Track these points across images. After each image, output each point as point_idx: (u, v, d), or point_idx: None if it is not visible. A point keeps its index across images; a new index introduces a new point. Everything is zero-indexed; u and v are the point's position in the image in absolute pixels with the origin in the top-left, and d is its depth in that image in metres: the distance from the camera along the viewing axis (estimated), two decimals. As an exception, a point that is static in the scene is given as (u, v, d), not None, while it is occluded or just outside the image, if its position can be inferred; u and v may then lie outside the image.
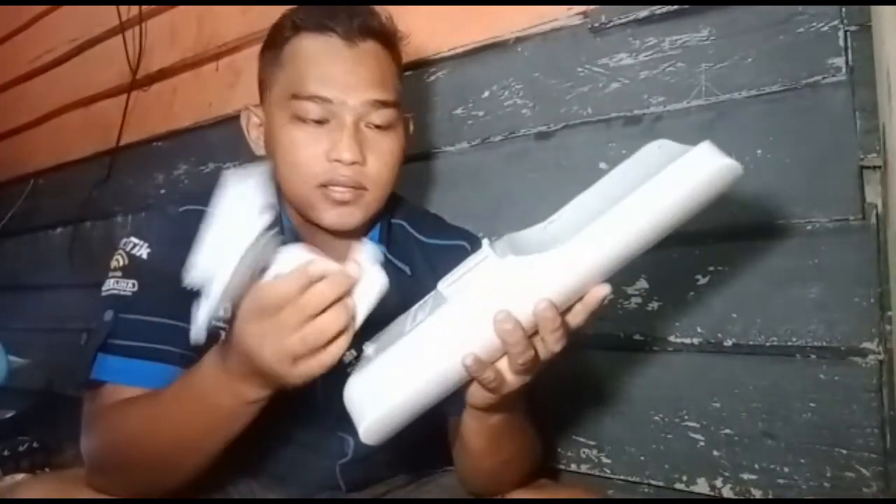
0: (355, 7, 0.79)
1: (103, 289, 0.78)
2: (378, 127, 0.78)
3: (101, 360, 0.74)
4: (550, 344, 0.58)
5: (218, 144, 1.56)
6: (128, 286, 0.77)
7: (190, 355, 0.76)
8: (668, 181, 0.55)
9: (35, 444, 1.49)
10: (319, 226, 0.80)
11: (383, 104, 0.77)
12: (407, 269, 0.86)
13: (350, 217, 0.79)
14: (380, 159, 0.78)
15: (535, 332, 0.58)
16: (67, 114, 2.04)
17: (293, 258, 0.58)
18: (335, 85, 0.75)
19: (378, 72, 0.78)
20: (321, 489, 0.88)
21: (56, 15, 2.06)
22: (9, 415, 1.59)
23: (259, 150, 0.85)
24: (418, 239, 0.89)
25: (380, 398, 0.59)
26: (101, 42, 1.88)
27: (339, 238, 0.82)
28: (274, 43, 0.81)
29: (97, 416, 0.73)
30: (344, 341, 0.58)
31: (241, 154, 1.60)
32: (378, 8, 0.81)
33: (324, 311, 0.56)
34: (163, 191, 1.72)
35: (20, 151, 2.26)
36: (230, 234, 0.57)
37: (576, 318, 0.59)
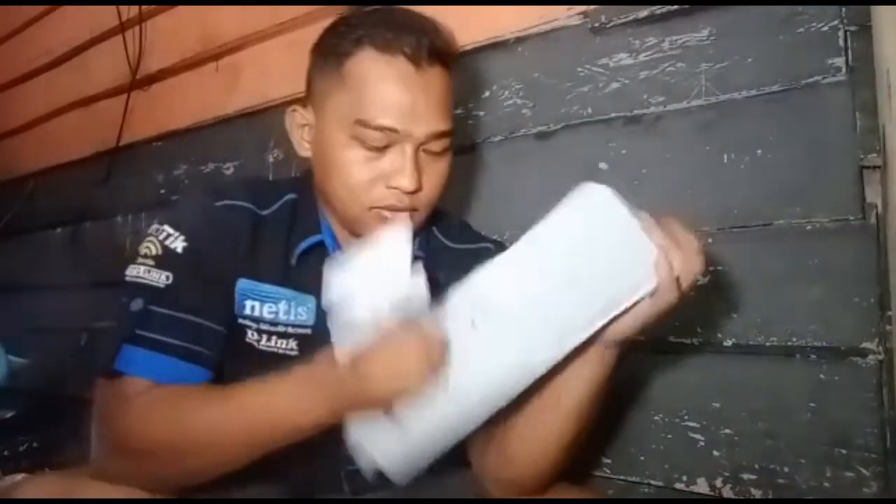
0: (422, 24, 0.77)
1: (129, 274, 0.75)
2: (435, 153, 0.78)
3: (128, 350, 0.72)
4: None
5: (218, 144, 1.56)
6: (161, 277, 0.75)
7: (215, 357, 0.76)
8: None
9: (35, 444, 1.49)
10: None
11: (445, 134, 0.77)
12: (440, 278, 0.86)
13: None
14: (434, 185, 0.79)
15: None
16: (67, 114, 2.04)
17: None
18: (403, 115, 0.74)
19: (443, 99, 0.77)
20: (325, 494, 0.88)
21: (56, 15, 2.06)
22: (9, 415, 1.59)
23: (304, 151, 0.83)
24: (448, 246, 0.90)
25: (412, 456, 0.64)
26: (101, 42, 1.88)
27: None
28: (333, 52, 0.78)
29: (131, 405, 0.71)
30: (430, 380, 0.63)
31: (242, 154, 1.60)
32: (440, 25, 0.79)
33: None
34: (163, 191, 1.72)
35: (20, 151, 2.26)
36: (382, 279, 0.63)
37: None
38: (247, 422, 0.67)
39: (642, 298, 0.63)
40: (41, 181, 2.16)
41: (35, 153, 2.19)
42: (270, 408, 0.67)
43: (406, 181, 0.75)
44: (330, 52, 0.78)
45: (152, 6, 1.70)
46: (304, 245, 0.82)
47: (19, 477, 1.30)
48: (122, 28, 1.74)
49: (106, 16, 1.78)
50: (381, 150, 0.75)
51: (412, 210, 0.78)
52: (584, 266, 0.62)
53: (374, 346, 0.63)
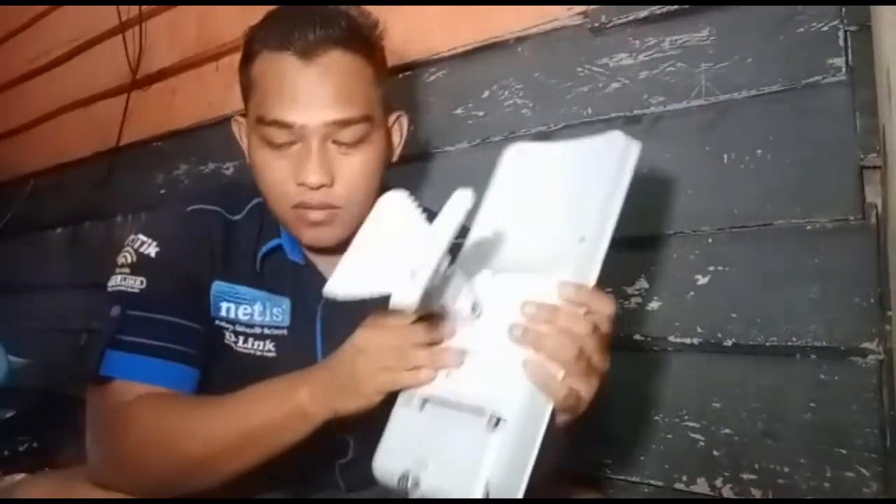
0: (322, 12, 0.76)
1: (109, 285, 0.78)
2: (347, 144, 0.76)
3: (110, 356, 0.74)
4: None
5: (218, 144, 1.56)
6: (136, 283, 0.77)
7: (196, 355, 0.77)
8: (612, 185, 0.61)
9: (35, 444, 1.49)
10: (301, 243, 0.81)
11: (348, 122, 0.74)
12: None
13: (327, 236, 0.79)
14: (349, 179, 0.76)
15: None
16: (67, 114, 2.04)
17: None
18: (294, 108, 0.74)
19: (342, 86, 0.74)
20: (320, 489, 0.88)
21: (56, 15, 2.06)
22: (9, 415, 1.59)
23: (248, 159, 0.84)
24: None
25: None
26: (101, 42, 1.87)
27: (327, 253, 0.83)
28: (245, 58, 0.80)
29: (118, 411, 0.71)
30: (425, 376, 0.61)
31: (242, 154, 1.60)
32: (356, 8, 0.79)
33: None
34: (163, 191, 1.72)
35: (20, 151, 2.26)
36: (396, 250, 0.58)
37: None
38: (239, 429, 0.67)
39: None
40: (41, 181, 2.16)
41: (35, 153, 2.19)
42: (261, 411, 0.67)
43: (311, 176, 0.74)
44: (244, 60, 0.81)
45: (152, 6, 1.70)
46: (264, 249, 0.83)
47: (19, 477, 1.30)
48: (122, 28, 1.74)
49: (106, 16, 1.78)
50: (287, 146, 0.75)
51: (328, 207, 0.76)
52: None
53: (365, 335, 0.63)
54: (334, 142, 0.75)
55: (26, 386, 1.78)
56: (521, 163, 0.69)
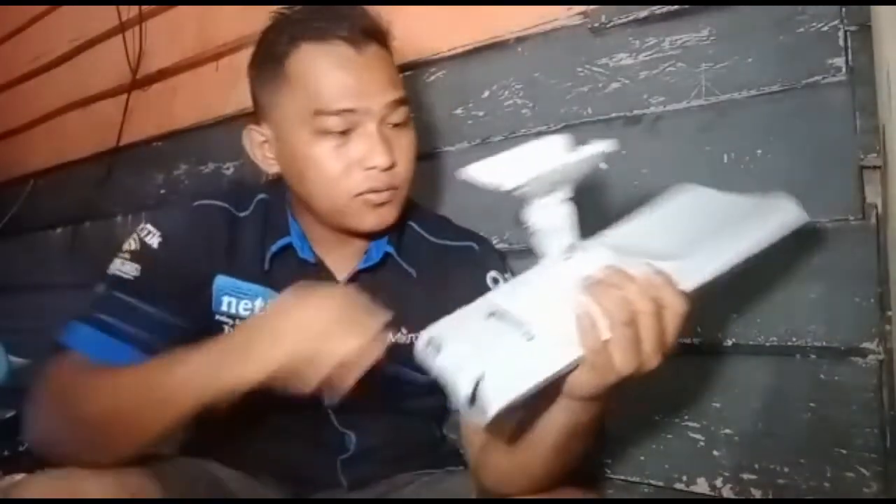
0: (347, 10, 0.79)
1: (109, 268, 0.79)
2: (397, 125, 0.79)
3: (75, 326, 0.76)
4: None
5: (218, 144, 1.56)
6: (131, 269, 0.78)
7: (168, 350, 0.76)
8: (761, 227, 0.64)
9: (35, 445, 1.49)
10: (357, 231, 0.81)
11: (401, 102, 0.79)
12: (413, 272, 0.87)
13: (389, 216, 0.81)
14: (407, 157, 0.80)
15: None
16: (67, 114, 2.04)
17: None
18: (356, 94, 0.76)
19: (389, 72, 0.80)
20: (322, 485, 0.88)
21: (56, 15, 2.06)
22: (9, 415, 1.58)
23: (270, 167, 0.85)
24: (427, 239, 0.90)
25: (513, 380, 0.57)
26: (101, 42, 1.88)
27: (358, 238, 0.83)
28: (270, 59, 0.79)
29: (52, 377, 0.73)
30: (352, 377, 0.63)
31: (242, 154, 1.60)
32: (367, 7, 0.81)
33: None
34: (163, 191, 1.72)
35: (20, 151, 2.26)
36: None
37: None
38: (143, 394, 0.66)
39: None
40: (41, 181, 2.16)
41: (35, 153, 2.19)
42: (167, 360, 0.66)
43: (380, 158, 0.76)
44: (267, 61, 0.80)
45: (152, 6, 1.70)
46: (274, 248, 0.83)
47: (19, 477, 1.30)
48: (122, 28, 1.74)
49: (106, 16, 1.78)
50: (345, 135, 0.76)
51: (392, 189, 0.79)
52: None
53: (286, 303, 0.64)
54: (386, 124, 0.78)
55: (26, 386, 1.77)
56: (685, 194, 0.72)
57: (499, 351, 0.56)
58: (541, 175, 0.56)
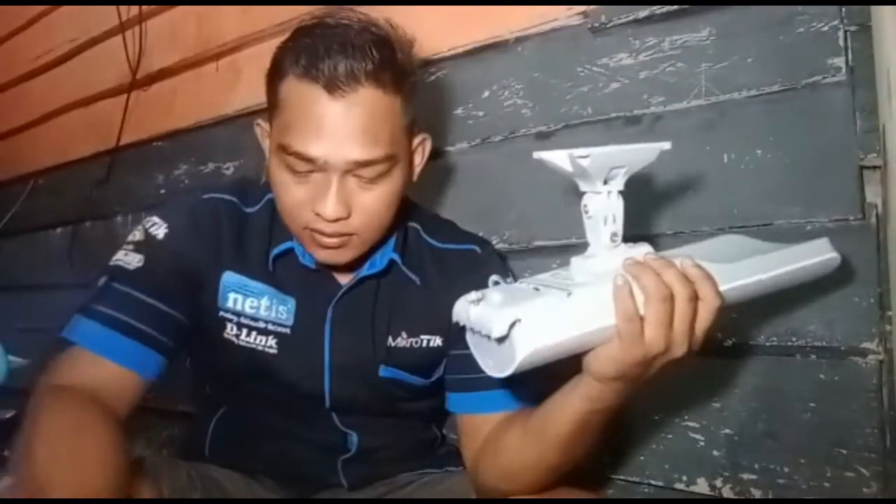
0: (353, 40, 0.72)
1: (112, 258, 0.79)
2: (368, 179, 0.74)
3: (78, 321, 0.75)
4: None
5: (218, 144, 1.56)
6: (134, 260, 0.77)
7: (169, 344, 0.76)
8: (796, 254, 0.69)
9: (35, 444, 1.48)
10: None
11: (370, 163, 0.73)
12: (416, 279, 0.86)
13: (339, 257, 0.79)
14: (367, 212, 0.75)
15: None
16: (67, 114, 2.04)
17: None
18: (318, 143, 0.71)
19: (367, 126, 0.72)
20: (323, 485, 0.88)
21: (56, 15, 2.06)
22: (9, 415, 1.58)
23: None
24: (430, 243, 0.89)
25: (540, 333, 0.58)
26: (101, 42, 1.88)
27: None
28: (273, 74, 0.77)
29: (50, 380, 0.72)
30: None
31: (242, 154, 1.60)
32: (386, 43, 0.74)
33: None
34: (163, 191, 1.72)
35: (20, 151, 2.26)
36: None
37: None
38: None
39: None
40: (41, 181, 2.16)
41: (35, 153, 2.19)
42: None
43: (325, 208, 0.72)
44: (272, 75, 0.77)
45: (152, 6, 1.70)
46: (276, 251, 0.83)
47: (19, 477, 1.30)
48: (122, 28, 1.74)
49: (106, 16, 1.78)
50: (307, 174, 0.74)
51: (344, 236, 0.76)
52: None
53: None
54: (355, 175, 0.74)
55: (26, 386, 1.77)
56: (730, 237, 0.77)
57: (538, 302, 0.58)
58: (608, 156, 0.61)
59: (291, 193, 0.75)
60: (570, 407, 0.65)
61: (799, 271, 0.69)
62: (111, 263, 0.78)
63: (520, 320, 0.56)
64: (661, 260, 0.60)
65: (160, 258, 0.77)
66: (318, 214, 0.74)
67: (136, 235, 0.80)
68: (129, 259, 0.77)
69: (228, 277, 0.81)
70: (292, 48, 0.75)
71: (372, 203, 0.75)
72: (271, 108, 0.78)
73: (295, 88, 0.73)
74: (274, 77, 0.76)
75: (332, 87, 0.70)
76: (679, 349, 0.60)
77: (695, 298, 0.59)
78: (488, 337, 0.58)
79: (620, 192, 0.63)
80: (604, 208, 0.63)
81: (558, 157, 0.63)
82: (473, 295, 0.61)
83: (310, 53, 0.72)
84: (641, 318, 0.58)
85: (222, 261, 0.81)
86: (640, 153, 0.63)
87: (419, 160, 0.84)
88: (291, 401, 0.85)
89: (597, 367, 0.60)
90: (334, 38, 0.72)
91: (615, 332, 0.58)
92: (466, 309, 0.61)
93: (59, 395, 0.70)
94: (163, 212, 0.81)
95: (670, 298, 0.58)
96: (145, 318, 0.75)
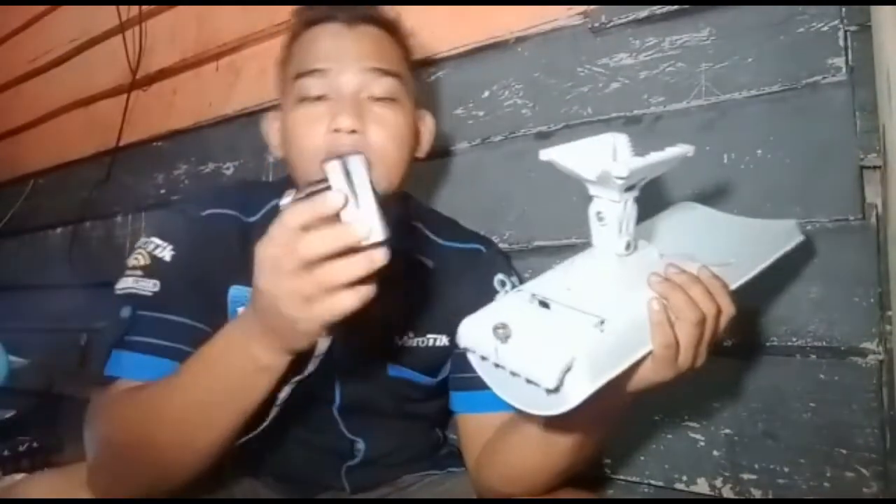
0: (361, 7, 0.80)
1: (119, 287, 0.76)
2: (380, 99, 0.76)
3: (117, 356, 0.73)
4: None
5: (218, 144, 1.56)
6: (149, 285, 0.75)
7: None
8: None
9: (35, 444, 1.49)
10: None
11: (383, 72, 0.76)
12: (430, 263, 0.86)
13: None
14: (382, 129, 0.75)
15: None
16: (67, 114, 2.04)
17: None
18: (333, 57, 0.76)
19: (377, 46, 0.79)
20: (324, 489, 0.88)
21: (56, 15, 2.06)
22: (9, 415, 1.59)
23: (276, 150, 0.84)
24: (434, 241, 0.89)
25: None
26: (101, 42, 1.88)
27: None
28: (286, 47, 0.82)
29: (99, 410, 0.71)
30: (364, 291, 0.54)
31: (242, 154, 1.60)
32: (384, 7, 0.82)
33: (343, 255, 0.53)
34: (163, 191, 1.72)
35: (20, 151, 2.26)
36: None
37: None
38: (205, 399, 0.64)
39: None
40: (41, 181, 2.16)
41: (35, 153, 2.19)
42: (201, 363, 0.64)
43: (342, 119, 0.73)
44: (284, 48, 0.83)
45: (152, 6, 1.70)
46: None
47: (19, 477, 1.31)
48: (122, 28, 1.74)
49: (106, 16, 1.78)
50: (322, 99, 0.76)
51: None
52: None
53: (263, 277, 0.57)
54: (368, 97, 0.76)
55: (26, 386, 1.78)
56: (693, 210, 0.78)
57: (579, 340, 0.55)
58: (642, 171, 0.59)
59: (307, 125, 0.76)
60: (580, 415, 0.65)
61: (781, 259, 0.71)
62: (124, 293, 0.76)
63: (571, 365, 0.53)
64: (685, 275, 0.59)
65: (174, 277, 0.76)
66: (336, 130, 0.73)
67: (140, 260, 0.77)
68: (142, 285, 0.76)
69: (235, 292, 0.80)
70: (307, 11, 0.82)
71: (387, 121, 0.76)
72: (283, 74, 0.82)
73: (312, 32, 0.79)
74: (284, 51, 0.82)
75: (347, 21, 0.78)
76: (700, 361, 0.61)
77: (720, 313, 0.60)
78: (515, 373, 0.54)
79: (636, 199, 0.62)
80: (621, 217, 0.61)
81: (584, 168, 0.59)
82: (487, 319, 0.56)
83: (315, 9, 0.80)
84: (677, 342, 0.58)
85: (228, 276, 0.79)
86: (669, 163, 0.61)
87: (426, 134, 0.86)
88: (300, 405, 0.84)
89: (629, 385, 0.61)
90: (338, 6, 0.80)
91: (649, 356, 0.58)
92: (487, 342, 0.56)
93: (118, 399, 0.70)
94: (162, 232, 0.79)
95: (703, 322, 0.58)
96: (178, 337, 0.73)
